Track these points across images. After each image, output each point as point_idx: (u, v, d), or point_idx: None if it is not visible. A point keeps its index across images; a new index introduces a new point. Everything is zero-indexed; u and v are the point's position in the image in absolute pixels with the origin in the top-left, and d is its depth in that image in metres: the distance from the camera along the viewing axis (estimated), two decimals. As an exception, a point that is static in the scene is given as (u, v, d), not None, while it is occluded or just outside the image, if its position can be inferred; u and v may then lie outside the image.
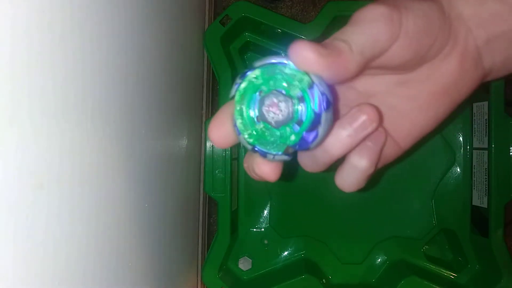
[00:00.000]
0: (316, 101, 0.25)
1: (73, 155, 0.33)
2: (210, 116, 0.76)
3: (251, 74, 0.26)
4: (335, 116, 0.28)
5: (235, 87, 0.26)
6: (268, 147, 0.26)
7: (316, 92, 0.25)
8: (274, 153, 0.26)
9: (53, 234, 0.30)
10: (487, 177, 0.72)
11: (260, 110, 0.25)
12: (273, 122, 0.25)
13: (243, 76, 0.26)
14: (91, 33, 0.35)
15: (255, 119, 0.25)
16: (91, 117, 0.35)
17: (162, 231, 0.57)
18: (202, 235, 0.77)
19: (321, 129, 0.25)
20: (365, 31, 0.28)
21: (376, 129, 0.29)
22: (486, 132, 0.73)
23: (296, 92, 0.25)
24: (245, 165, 0.31)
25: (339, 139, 0.28)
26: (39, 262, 0.29)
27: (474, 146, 0.76)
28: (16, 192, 0.26)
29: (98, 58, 0.37)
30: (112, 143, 0.40)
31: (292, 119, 0.25)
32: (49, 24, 0.29)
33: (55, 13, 0.30)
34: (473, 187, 0.76)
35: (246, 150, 0.28)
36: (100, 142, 0.37)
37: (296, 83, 0.25)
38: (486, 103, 0.72)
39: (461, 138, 0.78)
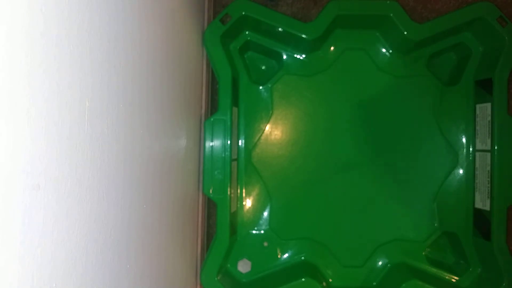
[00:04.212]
0: None
1: (70, 156, 0.32)
2: (209, 115, 0.75)
3: None
4: None
5: None
6: None
7: None
8: None
9: (50, 236, 0.30)
10: (489, 179, 0.72)
11: None
12: None
13: None
14: (88, 32, 0.35)
15: None
16: (89, 117, 0.35)
17: (160, 233, 0.56)
18: (201, 237, 0.76)
19: None
20: None
21: None
22: (489, 134, 0.72)
23: None
24: None
25: None
26: (36, 263, 0.28)
27: (477, 148, 0.75)
28: (13, 192, 0.26)
29: (95, 59, 0.36)
30: (110, 143, 0.39)
31: None
32: (48, 23, 0.29)
33: (53, 12, 0.29)
34: (475, 189, 0.75)
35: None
36: (98, 142, 0.36)
37: None
38: (489, 104, 0.72)
39: (463, 140, 0.77)
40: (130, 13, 0.44)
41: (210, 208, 0.81)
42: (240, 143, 0.78)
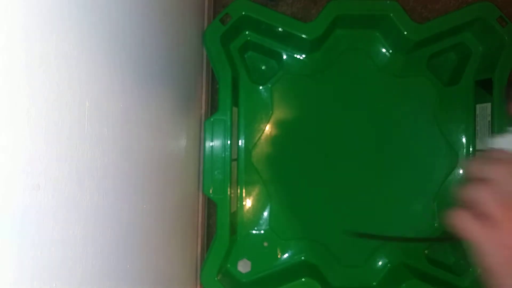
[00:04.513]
0: None
1: (70, 155, 0.32)
2: (209, 115, 0.75)
3: None
4: None
5: None
6: None
7: None
8: None
9: (51, 236, 0.30)
10: (489, 179, 0.72)
11: None
12: None
13: None
14: (89, 31, 0.35)
15: None
16: (89, 117, 0.35)
17: (160, 233, 0.56)
18: (201, 237, 0.76)
19: None
20: None
21: None
22: (489, 134, 0.72)
23: None
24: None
25: None
26: (36, 263, 0.28)
27: (476, 148, 0.75)
28: (13, 192, 0.26)
29: (95, 57, 0.36)
30: (110, 143, 0.39)
31: None
32: (47, 23, 0.29)
33: (53, 12, 0.29)
34: (475, 189, 0.75)
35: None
36: (98, 142, 0.37)
37: None
38: (489, 104, 0.72)
39: (464, 140, 0.77)
40: (130, 13, 0.44)
41: (210, 208, 0.81)
42: (240, 143, 0.78)
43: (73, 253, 0.33)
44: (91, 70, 0.35)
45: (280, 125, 0.79)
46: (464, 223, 0.37)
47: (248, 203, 0.78)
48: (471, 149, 0.76)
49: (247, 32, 0.77)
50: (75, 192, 0.33)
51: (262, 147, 0.78)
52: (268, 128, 0.79)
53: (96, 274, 0.37)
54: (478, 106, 0.75)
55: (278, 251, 0.78)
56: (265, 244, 0.78)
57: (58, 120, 0.30)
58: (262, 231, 0.78)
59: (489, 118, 0.72)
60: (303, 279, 0.73)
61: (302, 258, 0.77)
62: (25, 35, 0.26)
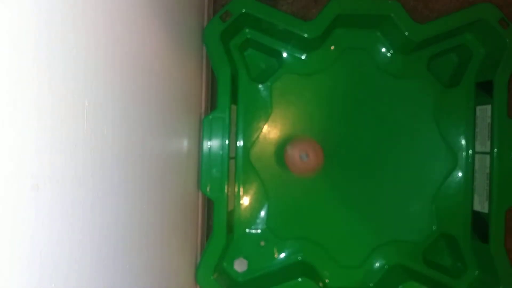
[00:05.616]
0: None
1: (69, 155, 0.32)
2: (208, 113, 0.74)
3: None
4: None
5: None
6: None
7: None
8: None
9: (50, 235, 0.30)
10: (488, 182, 0.72)
11: None
12: None
13: None
14: (89, 31, 0.34)
15: None
16: (88, 116, 0.34)
17: (160, 232, 0.56)
18: (201, 236, 0.76)
19: None
20: None
21: None
22: (488, 136, 0.72)
23: None
24: None
25: None
26: (36, 263, 0.28)
27: (476, 150, 0.75)
28: (12, 193, 0.25)
29: (95, 57, 0.36)
30: (110, 143, 0.39)
31: None
32: (47, 23, 0.28)
33: (53, 12, 0.29)
34: (474, 191, 0.75)
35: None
36: (97, 142, 0.36)
37: None
38: (489, 106, 0.72)
39: (463, 142, 0.77)
40: (130, 13, 0.43)
41: (210, 208, 0.80)
42: (238, 141, 0.78)
43: (73, 253, 0.33)
44: (91, 70, 0.35)
45: (279, 123, 0.78)
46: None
47: (245, 201, 0.78)
48: (470, 151, 0.76)
49: (247, 30, 0.76)
50: (74, 192, 0.33)
51: (260, 146, 0.78)
52: (267, 127, 0.78)
53: (95, 274, 0.37)
54: (478, 108, 0.75)
55: (275, 251, 0.78)
56: (262, 243, 0.78)
57: (58, 120, 0.30)
58: (259, 230, 0.78)
59: (489, 120, 0.72)
60: (299, 279, 0.73)
61: (299, 258, 0.77)
62: (26, 35, 0.26)
